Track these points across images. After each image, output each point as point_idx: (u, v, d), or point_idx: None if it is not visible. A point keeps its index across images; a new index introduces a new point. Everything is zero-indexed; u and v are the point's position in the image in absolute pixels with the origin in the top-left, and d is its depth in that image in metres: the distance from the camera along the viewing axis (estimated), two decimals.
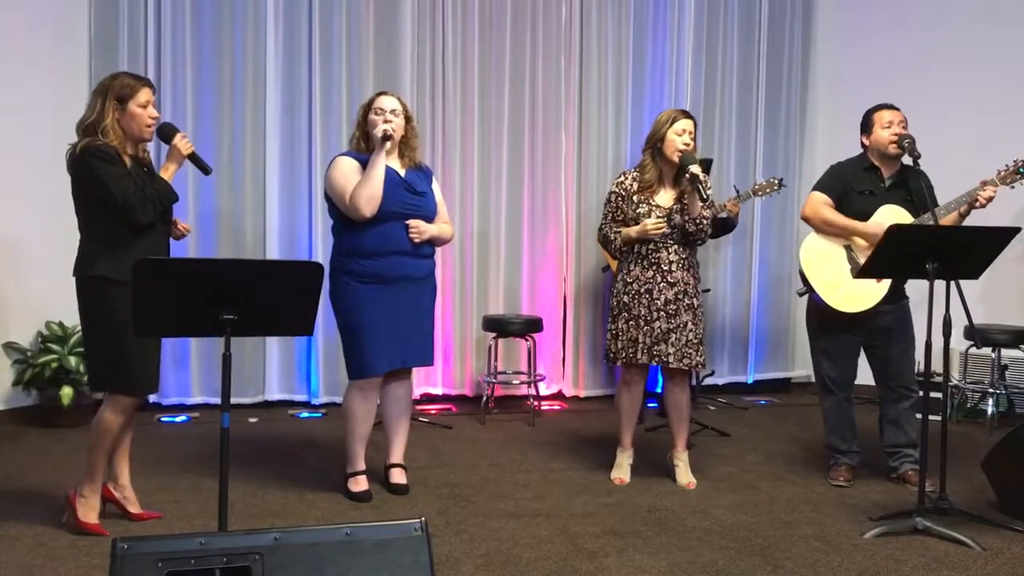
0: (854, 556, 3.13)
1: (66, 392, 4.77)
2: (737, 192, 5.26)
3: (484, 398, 5.49)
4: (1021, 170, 3.73)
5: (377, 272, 3.60)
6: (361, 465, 3.75)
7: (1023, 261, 5.36)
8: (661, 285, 3.84)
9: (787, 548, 3.20)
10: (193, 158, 3.33)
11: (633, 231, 3.81)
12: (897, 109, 3.96)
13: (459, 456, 4.44)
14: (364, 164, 3.58)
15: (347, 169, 3.60)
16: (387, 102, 3.65)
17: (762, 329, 6.32)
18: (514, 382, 5.77)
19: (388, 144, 3.58)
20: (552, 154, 5.91)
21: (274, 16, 5.42)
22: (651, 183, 3.86)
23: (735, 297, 6.24)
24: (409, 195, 3.64)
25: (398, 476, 3.82)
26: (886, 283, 3.80)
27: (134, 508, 3.39)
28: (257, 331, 2.85)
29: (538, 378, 5.60)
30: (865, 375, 4.10)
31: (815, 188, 4.05)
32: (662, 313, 3.83)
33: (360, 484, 3.72)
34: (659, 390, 5.03)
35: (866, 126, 3.99)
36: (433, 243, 3.75)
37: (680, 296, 3.85)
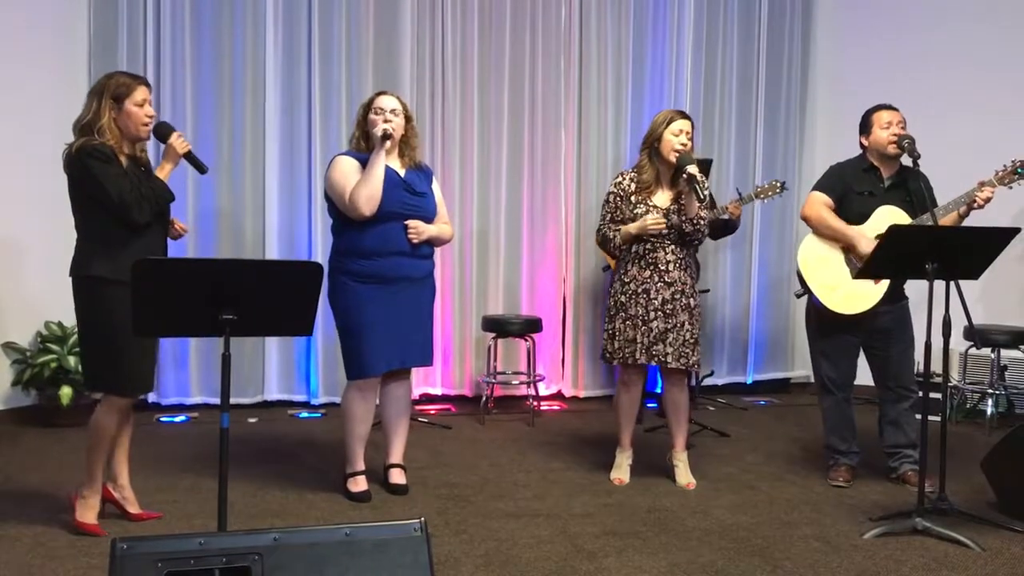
0: (854, 556, 3.13)
1: (65, 392, 4.77)
2: (739, 194, 5.26)
3: (483, 398, 5.48)
4: (1019, 171, 3.73)
5: (376, 272, 3.59)
6: (360, 465, 3.75)
7: (1023, 261, 5.36)
8: (658, 285, 3.84)
9: (787, 548, 3.20)
10: (189, 157, 3.32)
11: (632, 227, 3.81)
12: (896, 109, 3.96)
13: (458, 456, 4.44)
14: (364, 164, 3.58)
15: (347, 168, 3.60)
16: (387, 101, 3.65)
17: (761, 330, 6.32)
18: (513, 382, 5.77)
19: (388, 143, 3.58)
20: (552, 153, 5.91)
21: (273, 16, 5.42)
22: (648, 183, 3.86)
23: (734, 298, 6.24)
24: (409, 195, 3.63)
25: (397, 476, 3.82)
26: (884, 284, 3.80)
27: (133, 508, 3.38)
28: (256, 331, 2.85)
29: (537, 378, 5.60)
30: (864, 375, 4.10)
31: (815, 188, 4.04)
32: (659, 313, 3.83)
33: (359, 484, 3.72)
34: (659, 391, 5.03)
35: (865, 126, 3.99)
36: (432, 243, 3.74)
37: (677, 296, 3.85)
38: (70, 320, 4.61)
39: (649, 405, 5.37)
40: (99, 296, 3.11)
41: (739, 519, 3.52)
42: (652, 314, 3.84)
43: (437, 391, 5.75)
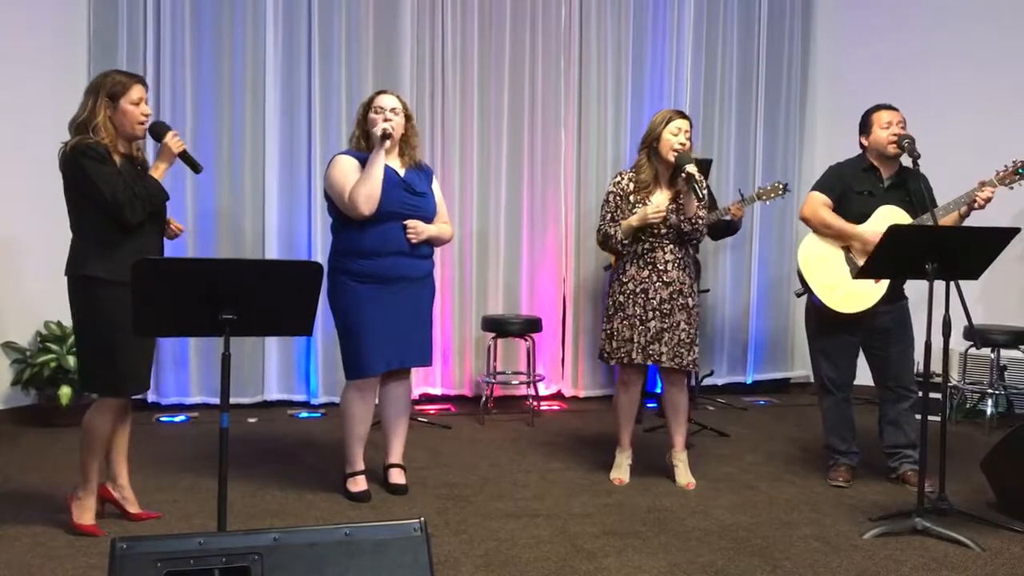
0: (853, 556, 3.13)
1: (65, 392, 4.77)
2: (741, 195, 5.26)
3: (483, 398, 5.48)
4: (1020, 171, 3.73)
5: (375, 272, 3.59)
6: (360, 465, 3.74)
7: (1023, 261, 5.36)
8: (657, 285, 3.84)
9: (786, 548, 3.20)
10: (184, 156, 3.30)
11: (633, 220, 3.80)
12: (896, 109, 3.96)
13: (458, 456, 4.44)
14: (364, 163, 3.58)
15: (346, 168, 3.60)
16: (387, 101, 3.65)
17: (761, 329, 6.32)
18: (513, 382, 5.77)
19: (387, 143, 3.58)
20: (551, 153, 5.91)
21: (273, 15, 5.42)
22: (647, 183, 3.86)
23: (734, 298, 6.24)
24: (408, 195, 3.63)
25: (397, 476, 3.82)
26: (884, 284, 3.80)
27: (133, 508, 3.38)
28: (256, 331, 2.85)
29: (537, 378, 5.60)
30: (864, 375, 4.10)
31: (814, 188, 4.05)
32: (657, 313, 3.83)
33: (359, 484, 3.72)
34: (658, 391, 5.03)
35: (865, 127, 3.99)
36: (432, 243, 3.74)
37: (675, 296, 3.85)
38: (69, 320, 4.60)
39: (649, 405, 5.38)
40: (94, 296, 3.10)
41: (739, 519, 3.52)
42: (650, 314, 3.83)
43: (437, 391, 5.75)
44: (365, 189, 3.50)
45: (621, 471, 4.04)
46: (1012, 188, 3.78)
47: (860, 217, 3.89)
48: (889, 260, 3.33)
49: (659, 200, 3.86)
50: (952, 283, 3.38)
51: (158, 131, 3.27)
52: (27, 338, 5.00)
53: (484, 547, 3.17)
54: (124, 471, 3.38)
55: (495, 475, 4.10)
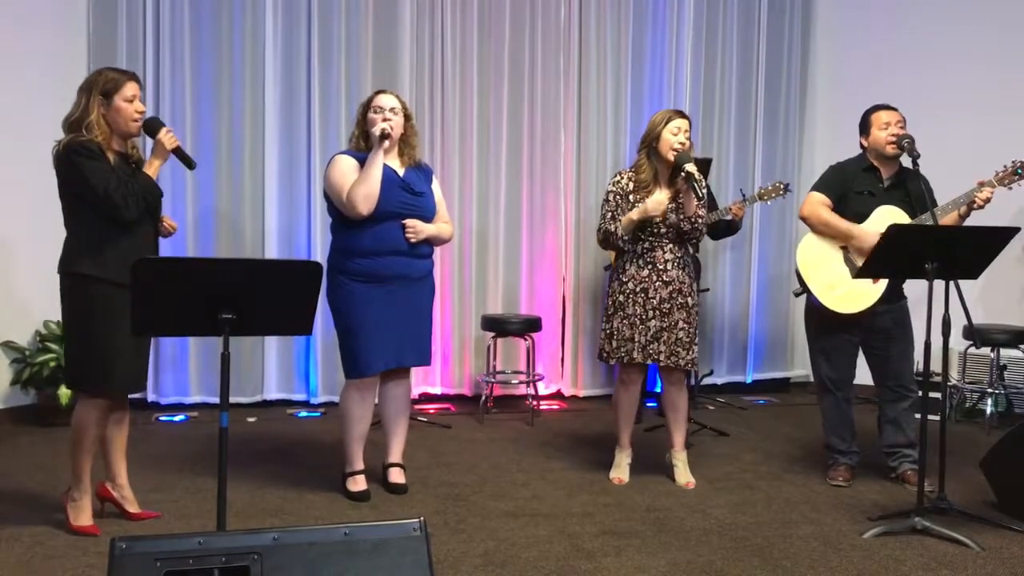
0: (853, 556, 3.13)
1: (64, 392, 4.76)
2: (743, 196, 5.26)
3: (483, 398, 5.48)
4: (1019, 171, 3.73)
5: (374, 271, 3.59)
6: (359, 465, 3.74)
7: (1022, 261, 5.36)
8: (656, 284, 3.84)
9: (786, 548, 3.20)
10: (178, 152, 3.28)
11: (634, 213, 3.79)
12: (895, 109, 3.96)
13: (458, 456, 4.44)
14: (363, 163, 3.58)
15: (345, 167, 3.60)
16: (386, 100, 3.65)
17: (761, 329, 6.32)
18: (513, 382, 5.77)
19: (386, 143, 3.58)
20: (551, 153, 5.91)
21: (273, 14, 5.42)
22: (647, 183, 3.86)
23: (734, 297, 6.24)
24: (407, 195, 3.63)
25: (397, 476, 3.82)
26: (883, 283, 3.80)
27: (132, 507, 3.38)
28: (256, 331, 2.84)
29: (537, 378, 5.60)
30: (864, 375, 4.10)
31: (814, 188, 4.04)
32: (657, 312, 3.83)
33: (359, 484, 3.72)
34: (658, 390, 5.03)
35: (864, 127, 3.99)
36: (432, 243, 3.74)
37: (674, 295, 3.85)
38: None
39: (649, 404, 5.38)
40: (84, 293, 3.09)
41: (738, 518, 3.52)
42: (650, 313, 3.84)
43: (436, 390, 5.75)
44: (363, 189, 3.50)
45: (620, 470, 4.04)
46: (1011, 188, 3.79)
47: (859, 217, 3.89)
48: (889, 259, 3.33)
49: (656, 201, 3.85)
50: (952, 282, 3.39)
51: (152, 127, 3.24)
52: (26, 338, 5.00)
53: (483, 546, 3.17)
54: (123, 471, 3.38)
55: (494, 474, 4.10)
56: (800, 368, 6.30)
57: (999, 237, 3.32)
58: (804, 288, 3.97)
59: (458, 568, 2.97)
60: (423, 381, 5.65)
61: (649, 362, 3.87)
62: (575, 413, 5.59)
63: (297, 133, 5.49)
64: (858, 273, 3.55)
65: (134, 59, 5.18)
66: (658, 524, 3.44)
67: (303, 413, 5.41)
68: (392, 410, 3.83)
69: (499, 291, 5.84)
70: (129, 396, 3.42)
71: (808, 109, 6.39)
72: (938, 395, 4.43)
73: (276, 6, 5.42)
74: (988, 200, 3.71)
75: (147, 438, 4.60)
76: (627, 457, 4.08)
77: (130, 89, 3.16)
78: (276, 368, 5.53)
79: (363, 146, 3.65)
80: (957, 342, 5.01)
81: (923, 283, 3.33)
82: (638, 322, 3.84)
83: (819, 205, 3.95)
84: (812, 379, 4.57)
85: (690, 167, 3.71)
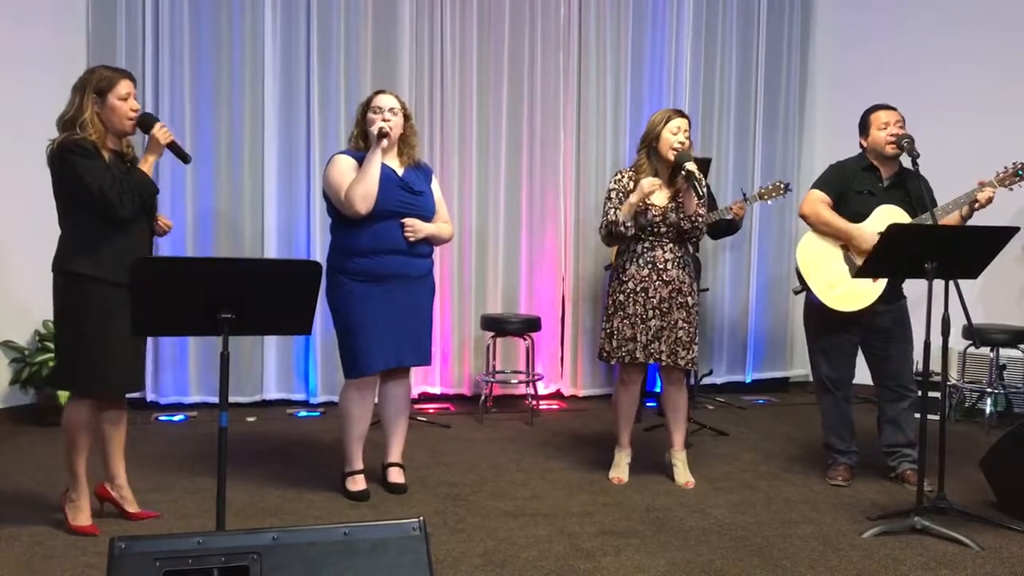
0: (852, 556, 3.13)
1: (64, 392, 4.76)
2: (744, 195, 5.27)
3: (482, 397, 5.48)
4: (1020, 172, 3.73)
5: (372, 271, 3.59)
6: (359, 464, 3.74)
7: (1022, 261, 5.36)
8: (657, 284, 3.84)
9: (785, 548, 3.20)
10: (172, 147, 3.26)
11: (633, 197, 3.77)
12: (894, 109, 3.96)
13: (457, 455, 4.44)
14: (362, 162, 3.58)
15: (344, 167, 3.60)
16: (385, 100, 3.65)
17: (760, 328, 6.32)
18: (512, 381, 5.77)
19: (384, 142, 3.57)
20: (551, 153, 5.91)
21: (272, 14, 5.42)
22: None
23: (733, 297, 6.24)
24: (407, 194, 3.63)
25: (396, 475, 3.82)
26: (882, 282, 3.80)
27: (131, 507, 3.37)
28: (255, 330, 2.84)
29: (536, 377, 5.60)
30: (863, 375, 4.10)
31: (814, 186, 4.05)
32: (657, 311, 3.83)
33: (358, 483, 3.72)
34: (658, 389, 5.03)
35: (863, 127, 3.99)
36: (431, 242, 3.73)
37: (674, 294, 3.85)
38: None
39: (648, 404, 5.38)
40: (77, 292, 3.07)
41: (737, 518, 3.52)
42: (650, 312, 3.84)
43: (436, 390, 5.75)
44: (361, 188, 3.50)
45: (620, 470, 4.04)
46: (1012, 189, 3.79)
47: (859, 216, 3.89)
48: (888, 259, 3.33)
49: (659, 199, 3.86)
50: (951, 282, 3.38)
51: (146, 123, 3.22)
52: (26, 337, 5.00)
53: (483, 546, 3.17)
54: (121, 470, 3.37)
55: (494, 474, 4.10)
56: (799, 368, 6.30)
57: (998, 237, 3.32)
58: (804, 286, 3.97)
59: (457, 568, 2.97)
60: (422, 381, 5.64)
61: (650, 361, 3.87)
62: (574, 413, 5.59)
63: (296, 132, 5.49)
64: (858, 272, 3.55)
65: (133, 58, 5.18)
66: (657, 524, 3.44)
67: (302, 413, 5.41)
68: (392, 410, 3.83)
69: (498, 291, 5.84)
70: (127, 396, 3.41)
71: (808, 109, 6.39)
72: (937, 395, 4.43)
73: (275, 5, 5.42)
74: (990, 200, 3.71)
75: (146, 438, 4.60)
76: (626, 457, 4.08)
77: (124, 87, 3.15)
78: (275, 368, 5.52)
79: (362, 146, 3.65)
80: (956, 342, 5.01)
81: (923, 283, 3.33)
82: (639, 322, 3.84)
83: (819, 203, 3.95)
84: (811, 379, 4.57)
85: (690, 166, 3.71)
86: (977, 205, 3.73)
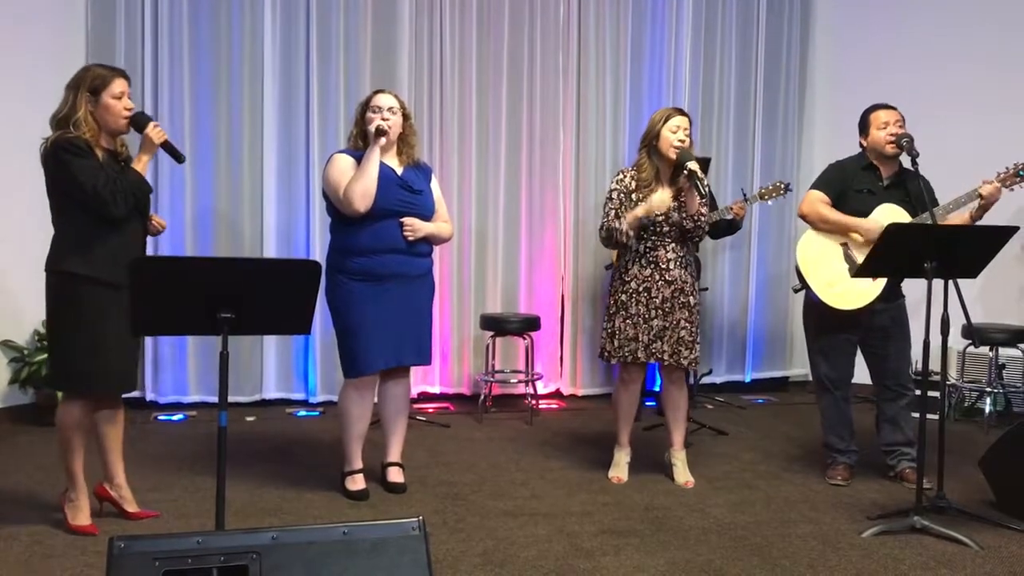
0: (852, 555, 3.13)
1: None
2: (744, 195, 5.27)
3: (482, 397, 5.48)
4: (1020, 173, 3.74)
5: (371, 270, 3.59)
6: (358, 464, 3.74)
7: (1021, 260, 5.36)
8: (659, 283, 3.84)
9: (785, 547, 3.20)
10: (166, 146, 3.24)
11: (639, 210, 3.77)
12: (893, 108, 3.96)
13: (457, 455, 4.44)
14: (360, 161, 3.58)
15: (343, 166, 3.60)
16: (384, 100, 3.65)
17: (760, 328, 6.32)
18: (512, 381, 5.77)
19: (383, 140, 3.57)
20: (550, 152, 5.91)
21: (271, 13, 5.41)
22: (648, 182, 3.85)
23: (733, 296, 6.24)
24: (406, 193, 3.63)
25: (395, 475, 3.82)
26: (882, 281, 3.79)
27: (131, 507, 3.37)
28: (255, 330, 2.85)
29: (536, 377, 5.60)
30: (862, 374, 4.10)
31: (813, 186, 4.05)
32: (659, 311, 3.83)
33: (357, 483, 3.72)
34: (657, 389, 5.03)
35: (863, 127, 3.99)
36: (431, 241, 3.73)
37: (676, 294, 3.85)
38: None
39: (648, 403, 5.38)
40: (70, 292, 3.06)
41: (737, 518, 3.52)
42: (653, 312, 3.83)
43: (435, 389, 5.75)
44: (360, 186, 3.50)
45: (620, 469, 4.04)
46: (1012, 190, 3.79)
47: (858, 215, 3.88)
48: (888, 258, 3.33)
49: (661, 198, 3.85)
50: (951, 281, 3.38)
51: (139, 122, 3.20)
52: (25, 337, 5.00)
53: (482, 546, 3.17)
54: (120, 470, 3.37)
55: (493, 474, 4.10)
56: (799, 367, 6.30)
57: (998, 236, 3.32)
58: (803, 284, 3.97)
59: (457, 567, 2.97)
60: (422, 380, 5.64)
61: (652, 361, 3.87)
62: (574, 412, 5.59)
63: (296, 131, 5.48)
64: (857, 272, 3.55)
65: (133, 58, 5.17)
66: (657, 523, 3.44)
67: (302, 412, 5.41)
68: (391, 409, 3.82)
69: (498, 290, 5.84)
70: (124, 395, 3.40)
71: (807, 108, 6.38)
72: (937, 394, 4.42)
73: (275, 4, 5.41)
74: (992, 194, 3.71)
75: (145, 437, 4.60)
76: (626, 456, 4.08)
77: (118, 86, 3.14)
78: (275, 367, 5.52)
79: (361, 145, 3.64)
80: (956, 341, 5.01)
81: (922, 282, 3.33)
82: (641, 321, 3.84)
83: (818, 203, 3.95)
84: (811, 378, 4.57)
85: (692, 165, 3.71)
86: (981, 200, 3.72)
